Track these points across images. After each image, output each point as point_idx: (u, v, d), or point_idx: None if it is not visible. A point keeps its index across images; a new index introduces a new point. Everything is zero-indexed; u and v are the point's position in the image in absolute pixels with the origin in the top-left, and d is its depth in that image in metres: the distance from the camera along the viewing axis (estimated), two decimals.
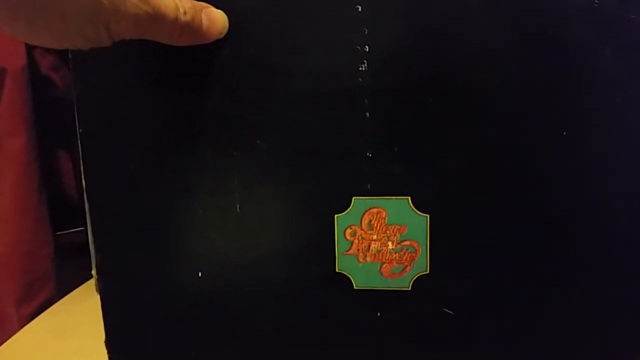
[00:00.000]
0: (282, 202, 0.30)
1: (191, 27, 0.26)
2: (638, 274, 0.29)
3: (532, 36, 0.27)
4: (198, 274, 0.31)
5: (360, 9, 0.28)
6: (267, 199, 0.30)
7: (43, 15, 0.21)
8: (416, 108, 0.28)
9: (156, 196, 0.31)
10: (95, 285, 0.46)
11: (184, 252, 0.31)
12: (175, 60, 0.29)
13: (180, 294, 0.32)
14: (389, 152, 0.29)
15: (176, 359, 0.33)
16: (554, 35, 0.27)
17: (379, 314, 0.31)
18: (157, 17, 0.24)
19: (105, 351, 0.33)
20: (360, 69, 0.28)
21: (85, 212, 0.37)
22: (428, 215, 0.29)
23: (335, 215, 0.30)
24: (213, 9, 0.27)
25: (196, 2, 0.26)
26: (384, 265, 0.30)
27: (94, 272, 0.51)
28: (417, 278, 0.30)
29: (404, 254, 0.30)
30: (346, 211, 0.30)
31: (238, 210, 0.30)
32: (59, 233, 0.65)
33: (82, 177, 0.32)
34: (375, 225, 0.29)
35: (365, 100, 0.28)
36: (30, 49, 0.59)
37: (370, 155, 0.29)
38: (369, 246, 0.30)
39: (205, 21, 0.27)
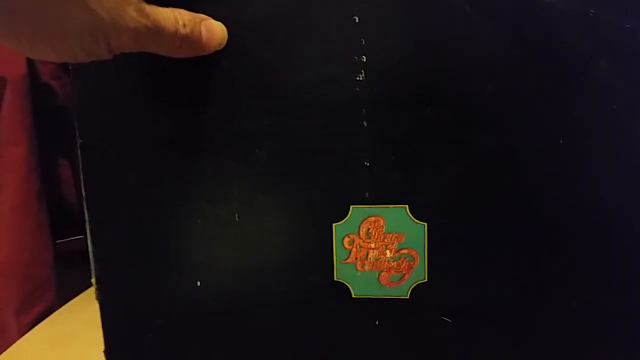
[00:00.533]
0: (280, 211, 0.30)
1: (190, 39, 0.26)
2: (638, 279, 0.29)
3: (528, 45, 0.27)
4: (197, 283, 0.31)
5: (357, 20, 0.28)
6: (266, 209, 0.30)
7: (45, 31, 0.21)
8: (413, 117, 0.29)
9: (155, 205, 0.31)
10: (95, 293, 0.46)
11: (183, 261, 0.31)
12: (174, 72, 0.29)
13: (179, 303, 0.32)
14: (386, 161, 0.29)
15: None
16: (550, 43, 0.27)
17: (377, 323, 0.31)
18: (156, 31, 0.24)
19: None
20: (358, 78, 0.28)
21: (85, 220, 0.37)
22: (426, 224, 0.29)
23: (333, 224, 0.30)
24: (212, 21, 0.28)
25: (195, 14, 0.27)
26: (382, 274, 0.30)
27: (93, 280, 0.51)
28: (415, 286, 0.30)
29: (402, 262, 0.30)
30: (344, 220, 0.30)
31: (237, 219, 0.30)
32: (58, 241, 0.65)
33: (82, 186, 0.33)
34: (373, 233, 0.30)
35: (363, 110, 0.29)
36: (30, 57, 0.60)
37: (367, 164, 0.29)
38: (367, 255, 0.30)
39: (204, 33, 0.27)
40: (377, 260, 0.30)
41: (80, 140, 0.31)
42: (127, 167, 0.31)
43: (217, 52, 0.28)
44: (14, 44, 0.21)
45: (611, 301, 0.29)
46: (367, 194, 0.29)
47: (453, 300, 0.30)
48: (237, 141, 0.30)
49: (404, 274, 0.30)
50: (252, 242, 0.31)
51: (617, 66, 0.27)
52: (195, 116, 0.30)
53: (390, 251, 0.30)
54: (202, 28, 0.27)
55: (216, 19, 0.28)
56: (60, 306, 0.57)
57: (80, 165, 0.32)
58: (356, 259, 0.30)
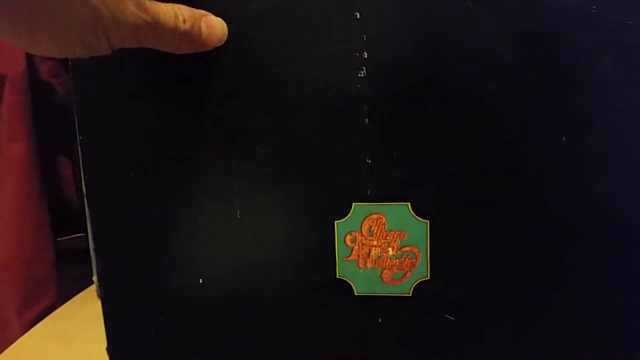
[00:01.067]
0: (282, 208, 0.30)
1: (190, 35, 0.26)
2: (638, 279, 0.29)
3: (531, 41, 0.27)
4: (199, 280, 0.31)
5: (358, 16, 0.28)
6: (267, 206, 0.30)
7: (44, 25, 0.21)
8: (415, 114, 0.28)
9: (156, 202, 0.31)
10: (97, 291, 0.46)
11: (185, 258, 0.31)
12: (174, 68, 0.29)
13: (181, 300, 0.32)
14: (388, 158, 0.29)
15: None
16: (552, 40, 0.27)
17: (379, 320, 0.31)
18: (156, 26, 0.24)
19: (106, 357, 0.33)
20: (359, 75, 0.28)
21: (85, 218, 0.37)
22: (428, 221, 0.29)
23: (335, 222, 0.30)
24: (212, 17, 0.27)
25: (195, 10, 0.27)
26: (384, 271, 0.30)
27: (95, 277, 0.51)
28: (417, 284, 0.30)
29: (404, 259, 0.30)
30: (346, 217, 0.30)
31: (238, 216, 0.30)
32: (59, 239, 0.65)
33: (83, 183, 0.32)
34: (376, 231, 0.29)
35: (365, 107, 0.29)
36: (29, 54, 0.59)
37: (369, 161, 0.29)
38: (369, 252, 0.30)
39: (204, 29, 0.27)
40: (379, 257, 0.30)
41: (81, 137, 0.31)
42: (128, 164, 0.31)
43: (218, 48, 0.28)
44: (13, 38, 0.21)
45: (611, 301, 0.29)
46: (369, 191, 0.29)
47: (455, 297, 0.30)
48: (238, 138, 0.30)
49: (406, 272, 0.30)
50: (253, 239, 0.30)
51: (620, 62, 0.27)
52: (195, 113, 0.30)
53: (393, 249, 0.30)
54: (202, 24, 0.27)
55: (216, 15, 0.28)
56: (61, 304, 0.57)
57: (81, 162, 0.32)
58: (358, 256, 0.30)
